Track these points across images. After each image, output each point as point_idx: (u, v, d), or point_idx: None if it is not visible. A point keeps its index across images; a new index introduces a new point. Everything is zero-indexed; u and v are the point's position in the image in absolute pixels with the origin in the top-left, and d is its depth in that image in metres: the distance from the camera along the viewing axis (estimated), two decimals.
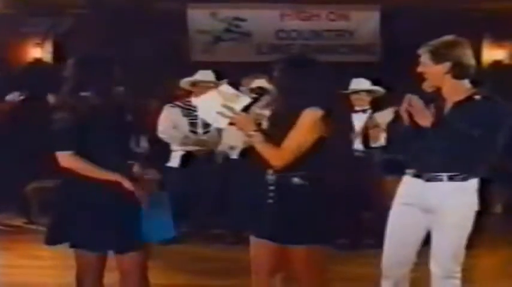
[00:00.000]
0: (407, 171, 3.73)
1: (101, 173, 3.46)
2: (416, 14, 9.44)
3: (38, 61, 10.23)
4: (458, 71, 3.59)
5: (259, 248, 3.51)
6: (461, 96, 3.61)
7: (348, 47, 10.35)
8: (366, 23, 10.30)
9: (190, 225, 6.93)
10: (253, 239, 3.54)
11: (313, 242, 3.43)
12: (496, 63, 10.14)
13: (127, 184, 3.46)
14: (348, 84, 6.79)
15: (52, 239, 3.57)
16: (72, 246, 3.55)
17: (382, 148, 6.33)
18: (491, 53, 10.14)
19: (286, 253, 3.47)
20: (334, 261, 5.64)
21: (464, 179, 3.60)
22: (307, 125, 3.39)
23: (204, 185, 6.61)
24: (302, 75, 3.47)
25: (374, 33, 10.27)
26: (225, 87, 3.53)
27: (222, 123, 3.46)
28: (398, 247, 3.72)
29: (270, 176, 3.46)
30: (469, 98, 3.61)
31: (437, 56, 3.58)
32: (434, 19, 8.85)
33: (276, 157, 3.40)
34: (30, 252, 6.06)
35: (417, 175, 3.67)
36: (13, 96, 7.97)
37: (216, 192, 6.65)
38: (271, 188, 3.45)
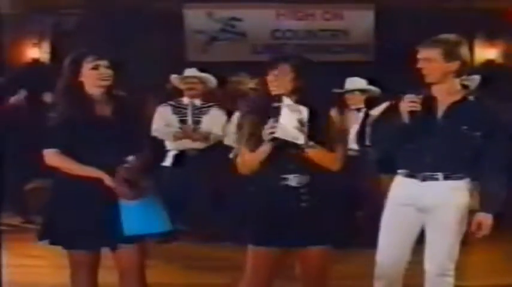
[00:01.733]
0: (400, 171, 3.75)
1: (83, 170, 3.48)
2: (410, 13, 9.49)
3: (35, 61, 10.27)
4: (462, 70, 3.63)
5: (262, 257, 3.45)
6: (457, 96, 3.64)
7: (342, 46, 10.41)
8: (361, 22, 10.36)
9: (186, 224, 6.97)
10: (256, 248, 3.46)
11: (338, 241, 3.49)
12: (489, 63, 10.18)
13: (108, 181, 3.47)
14: (342, 83, 6.83)
15: (40, 237, 3.63)
16: (51, 243, 3.61)
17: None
18: (484, 52, 10.20)
19: (299, 255, 3.47)
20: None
21: (460, 178, 3.64)
22: (342, 123, 3.44)
23: (199, 184, 6.64)
24: (314, 75, 3.47)
25: (368, 32, 10.33)
26: (288, 100, 3.39)
27: (301, 138, 3.35)
28: (393, 248, 3.74)
29: (298, 179, 3.40)
30: (465, 99, 3.65)
31: (450, 54, 3.58)
32: (427, 18, 8.90)
33: (336, 160, 3.43)
34: (27, 251, 6.03)
35: (411, 175, 3.69)
36: (17, 98, 8.00)
37: (212, 190, 6.69)
38: (303, 191, 3.40)
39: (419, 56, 3.63)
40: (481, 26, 9.79)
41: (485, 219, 3.60)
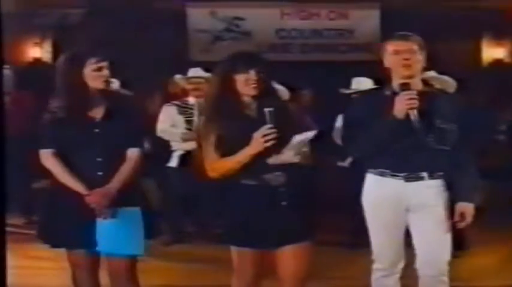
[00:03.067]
0: (376, 171, 3.64)
1: (66, 180, 3.49)
2: (416, 12, 9.44)
3: (37, 61, 10.25)
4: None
5: (246, 256, 3.46)
6: (424, 90, 3.62)
7: (348, 45, 10.39)
8: (366, 21, 10.33)
9: (191, 225, 6.94)
10: (238, 248, 3.48)
11: (313, 237, 3.47)
12: (496, 62, 10.16)
13: (86, 198, 3.46)
14: (347, 82, 6.79)
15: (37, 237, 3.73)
16: (45, 243, 3.69)
17: None
18: (491, 52, 10.16)
19: (278, 254, 3.44)
20: (338, 259, 5.69)
21: (444, 175, 3.60)
22: None
23: (205, 184, 6.59)
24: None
25: (374, 31, 10.27)
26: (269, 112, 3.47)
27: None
28: (389, 247, 3.68)
29: (277, 177, 3.38)
30: (432, 93, 3.66)
31: (421, 48, 3.61)
32: (434, 17, 8.86)
33: None
34: (30, 253, 6.04)
35: (392, 175, 3.59)
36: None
37: (216, 191, 6.65)
38: (282, 189, 3.38)
39: (400, 48, 3.59)
40: (489, 26, 9.75)
41: (467, 208, 3.59)
